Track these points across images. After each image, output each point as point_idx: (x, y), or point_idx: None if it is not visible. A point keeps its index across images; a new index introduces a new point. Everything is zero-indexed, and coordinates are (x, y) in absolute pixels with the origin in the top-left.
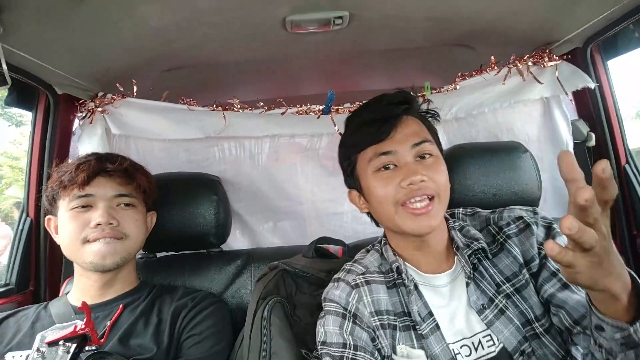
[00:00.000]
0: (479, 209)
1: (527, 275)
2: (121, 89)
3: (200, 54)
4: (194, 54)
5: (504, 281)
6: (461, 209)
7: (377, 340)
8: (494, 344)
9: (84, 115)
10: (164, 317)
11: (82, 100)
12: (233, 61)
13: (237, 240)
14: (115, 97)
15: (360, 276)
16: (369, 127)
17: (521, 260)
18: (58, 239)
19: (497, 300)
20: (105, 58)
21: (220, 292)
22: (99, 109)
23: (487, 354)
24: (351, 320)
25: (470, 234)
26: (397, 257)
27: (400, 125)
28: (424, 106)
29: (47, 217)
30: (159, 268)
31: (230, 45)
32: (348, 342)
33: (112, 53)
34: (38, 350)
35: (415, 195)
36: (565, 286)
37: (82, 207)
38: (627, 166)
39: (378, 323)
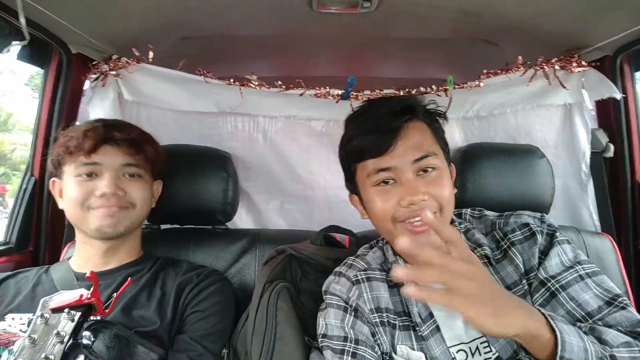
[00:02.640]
0: (486, 212)
1: (527, 286)
2: (137, 54)
3: (219, 24)
4: (213, 24)
5: (504, 286)
6: (469, 210)
7: (377, 336)
8: (492, 350)
9: (96, 77)
10: (168, 290)
11: (96, 62)
12: (253, 35)
13: (242, 219)
14: (130, 61)
15: (362, 272)
16: (368, 137)
17: (522, 269)
18: (61, 203)
19: None
20: (122, 20)
21: (224, 269)
22: (113, 72)
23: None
24: (352, 314)
25: (475, 238)
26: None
27: (402, 137)
28: (435, 102)
29: (52, 179)
30: (162, 240)
31: (252, 17)
32: (349, 336)
33: (130, 15)
34: (42, 316)
35: (415, 215)
36: (552, 295)
37: (88, 175)
38: None
39: (378, 320)
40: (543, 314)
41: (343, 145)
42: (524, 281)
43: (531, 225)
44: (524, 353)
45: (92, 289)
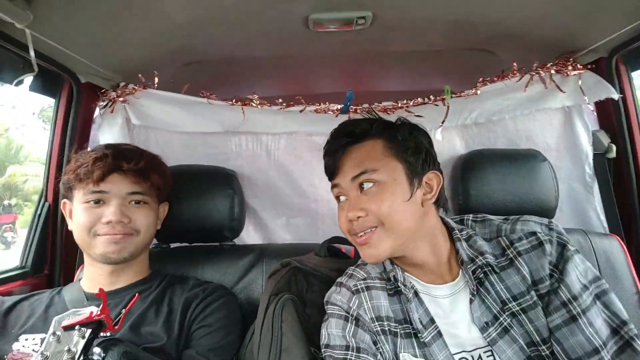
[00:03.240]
0: (490, 216)
1: (535, 297)
2: (142, 80)
3: (220, 49)
4: (214, 49)
5: (511, 299)
6: (471, 216)
7: (379, 344)
8: None
9: (105, 104)
10: (175, 307)
11: (104, 90)
12: (253, 57)
13: (250, 235)
14: (136, 87)
15: (361, 282)
16: (326, 160)
17: (529, 280)
18: (71, 224)
19: (501, 318)
20: (127, 49)
21: (232, 285)
22: (120, 99)
23: None
24: (353, 323)
25: (477, 245)
26: (395, 267)
27: (344, 159)
28: (402, 118)
29: (63, 201)
30: (171, 258)
31: (252, 40)
32: (351, 345)
33: (135, 45)
34: (54, 334)
35: (356, 231)
36: (573, 319)
37: (95, 202)
38: None
39: (379, 329)
40: None
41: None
42: (532, 292)
43: (538, 234)
44: None
45: (101, 306)
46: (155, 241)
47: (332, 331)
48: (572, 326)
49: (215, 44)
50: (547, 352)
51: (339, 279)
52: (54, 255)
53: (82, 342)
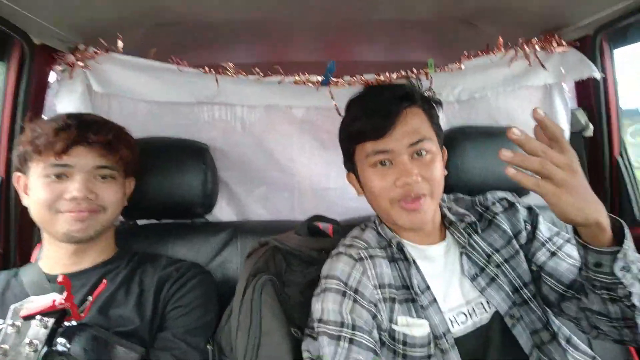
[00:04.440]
0: (460, 194)
1: (517, 246)
2: (104, 44)
3: (192, 9)
4: (185, 9)
5: (494, 252)
6: (445, 196)
7: (378, 314)
8: (486, 310)
9: (63, 69)
10: (147, 287)
11: (61, 53)
12: (227, 21)
13: (223, 211)
14: (98, 51)
15: (363, 250)
16: (368, 121)
17: (510, 233)
18: (26, 200)
19: (487, 269)
20: (87, 6)
21: (205, 263)
22: (80, 63)
23: (480, 320)
24: (352, 298)
25: (460, 212)
26: (395, 234)
27: (400, 122)
28: (429, 89)
29: (17, 174)
30: (139, 236)
31: (228, 2)
32: (346, 321)
33: (97, 2)
34: (13, 324)
35: (408, 194)
36: (553, 254)
37: (57, 176)
38: (619, 158)
39: (380, 296)
40: (611, 216)
41: (344, 127)
42: (513, 241)
43: (508, 198)
44: (516, 309)
45: (65, 294)
46: (120, 218)
47: (327, 306)
48: (554, 259)
49: (188, 4)
50: (529, 295)
51: (335, 250)
52: (8, 233)
53: (45, 333)
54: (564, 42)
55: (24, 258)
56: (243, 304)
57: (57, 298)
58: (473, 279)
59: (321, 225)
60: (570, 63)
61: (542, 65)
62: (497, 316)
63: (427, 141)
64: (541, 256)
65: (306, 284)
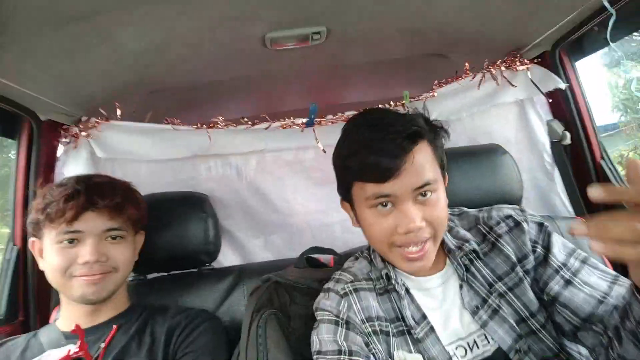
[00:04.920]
0: (465, 209)
1: (521, 273)
2: (104, 113)
3: (180, 75)
4: (174, 75)
5: (496, 280)
6: (448, 210)
7: (371, 345)
8: (489, 343)
9: (68, 140)
10: (158, 336)
11: (66, 126)
12: (214, 80)
13: (228, 257)
14: (99, 121)
15: (349, 284)
16: (370, 162)
17: (514, 258)
18: (42, 264)
19: (490, 300)
20: (86, 83)
21: (213, 309)
22: (84, 134)
23: (483, 352)
24: (344, 326)
25: (460, 234)
26: (387, 264)
27: (406, 164)
28: (439, 122)
29: (31, 239)
30: (150, 289)
31: (211, 65)
32: (343, 348)
33: (94, 78)
34: None
35: (411, 242)
36: (568, 283)
37: (69, 241)
38: (602, 162)
39: (370, 330)
40: None
41: (340, 157)
42: (517, 268)
43: (514, 216)
44: (522, 342)
45: (79, 343)
46: (132, 274)
47: (323, 337)
48: (569, 289)
49: (175, 71)
50: (538, 326)
51: (326, 285)
52: (27, 300)
53: None
54: (526, 60)
55: (44, 322)
56: (249, 340)
57: (71, 348)
58: (474, 312)
59: (322, 258)
60: (536, 77)
61: (510, 83)
62: (500, 350)
63: (433, 183)
64: (555, 285)
65: (310, 316)
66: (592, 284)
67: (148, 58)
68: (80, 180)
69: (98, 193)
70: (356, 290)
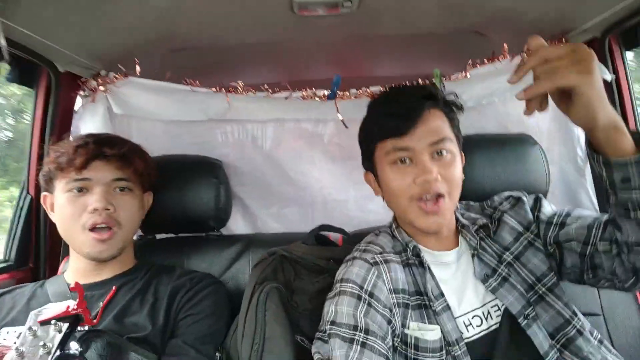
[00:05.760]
0: (471, 202)
1: (526, 241)
2: (123, 69)
3: (203, 35)
4: (197, 35)
5: (504, 251)
6: (458, 204)
7: (392, 319)
8: (501, 312)
9: (86, 94)
10: (161, 296)
11: (85, 79)
12: (238, 43)
13: (238, 225)
14: (117, 76)
15: (379, 255)
16: (389, 119)
17: (519, 228)
18: (54, 217)
19: (499, 270)
20: (107, 36)
21: (218, 275)
22: (102, 88)
23: (496, 323)
24: (367, 302)
25: (472, 216)
26: (412, 238)
27: (422, 121)
28: (454, 93)
29: (43, 194)
30: (157, 249)
31: (235, 26)
32: (360, 325)
33: (115, 32)
34: (30, 328)
35: (427, 192)
36: (562, 225)
37: (79, 190)
38: None
39: (395, 301)
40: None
41: (364, 127)
42: (524, 237)
43: (512, 195)
44: (531, 309)
45: (77, 300)
46: (139, 232)
47: (342, 308)
48: (565, 229)
49: (199, 31)
50: (545, 290)
51: (349, 256)
52: (38, 248)
53: (59, 337)
54: None
55: (53, 271)
56: (249, 311)
57: (71, 304)
58: (485, 280)
59: (331, 235)
60: None
61: None
62: (507, 317)
63: (448, 141)
64: (552, 234)
65: (315, 292)
66: (584, 215)
67: (172, 15)
68: (90, 135)
69: (107, 144)
70: (386, 261)
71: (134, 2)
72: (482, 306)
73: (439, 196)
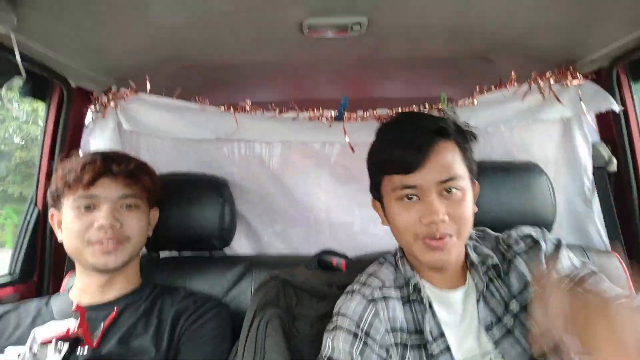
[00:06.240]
0: (488, 230)
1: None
2: (134, 85)
3: (213, 53)
4: (207, 54)
5: (512, 298)
6: (474, 231)
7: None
8: None
9: (97, 109)
10: (165, 318)
11: (96, 94)
12: (247, 62)
13: (242, 244)
14: (128, 92)
15: (378, 290)
16: (398, 153)
17: (528, 277)
18: (60, 235)
19: (504, 320)
20: (119, 53)
21: (221, 296)
22: (112, 103)
23: None
24: (362, 340)
25: (485, 252)
26: (415, 273)
27: (431, 156)
28: (467, 124)
29: (51, 212)
30: (160, 268)
31: (245, 46)
32: None
33: (126, 49)
34: (31, 348)
35: (433, 233)
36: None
37: (86, 207)
38: None
39: (393, 341)
40: None
41: (372, 154)
42: (531, 288)
43: (533, 235)
44: None
45: (79, 321)
46: (144, 250)
47: (338, 344)
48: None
49: (208, 49)
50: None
51: (350, 287)
52: (43, 262)
53: (59, 357)
54: (579, 75)
55: (57, 286)
56: (249, 337)
57: (71, 325)
58: (488, 328)
59: (335, 260)
60: (587, 96)
61: (557, 99)
62: None
63: (458, 179)
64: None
65: (317, 318)
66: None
67: (184, 34)
68: (98, 152)
69: (114, 160)
70: (385, 298)
71: (144, 19)
72: (483, 355)
73: (446, 235)
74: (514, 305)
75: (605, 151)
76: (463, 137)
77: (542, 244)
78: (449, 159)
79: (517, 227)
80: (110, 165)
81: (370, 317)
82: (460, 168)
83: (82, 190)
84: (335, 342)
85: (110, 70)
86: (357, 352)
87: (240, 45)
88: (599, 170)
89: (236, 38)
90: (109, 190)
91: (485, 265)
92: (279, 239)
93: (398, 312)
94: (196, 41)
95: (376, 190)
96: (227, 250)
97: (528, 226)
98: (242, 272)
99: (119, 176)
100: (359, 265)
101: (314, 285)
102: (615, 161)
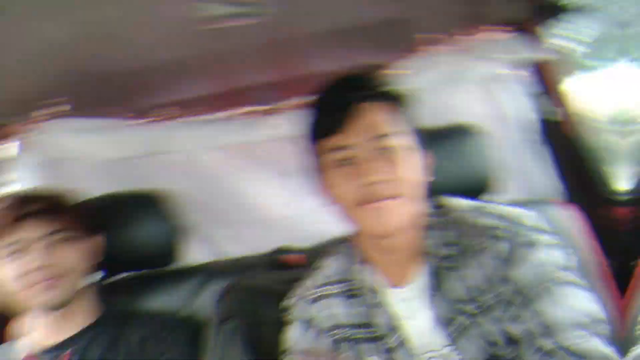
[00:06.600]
0: (447, 203)
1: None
2: (45, 112)
3: (120, 60)
4: (113, 62)
5: (469, 296)
6: (430, 203)
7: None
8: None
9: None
10: (132, 347)
11: (10, 126)
12: (155, 62)
13: (196, 253)
14: (41, 118)
15: (317, 289)
16: (324, 113)
17: (489, 276)
18: None
19: (461, 317)
20: (17, 79)
21: (182, 310)
22: (29, 134)
23: None
24: (315, 327)
25: (440, 236)
26: (364, 264)
27: (358, 115)
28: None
29: None
30: (117, 291)
31: (145, 47)
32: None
33: (23, 75)
34: None
35: (375, 198)
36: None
37: (14, 253)
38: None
39: (339, 337)
40: None
41: (305, 129)
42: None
43: (500, 228)
44: None
45: None
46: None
47: (292, 336)
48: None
49: (112, 57)
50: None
51: (297, 286)
52: None
53: None
54: (507, 30)
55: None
56: (210, 352)
57: None
58: (443, 325)
59: (292, 258)
60: (517, 49)
61: (488, 55)
62: None
63: (393, 135)
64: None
65: (279, 320)
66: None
67: (79, 47)
68: (13, 195)
69: (33, 200)
70: (324, 296)
71: (32, 41)
72: (442, 349)
73: (389, 198)
74: (471, 303)
75: (546, 103)
76: (394, 99)
77: (504, 244)
78: (381, 116)
79: (488, 208)
80: (29, 205)
81: (313, 313)
82: (395, 126)
83: (6, 237)
84: (290, 334)
85: (12, 98)
86: (311, 339)
87: (140, 47)
88: (543, 123)
89: (131, 41)
90: (34, 231)
91: (437, 256)
92: (234, 242)
93: (340, 308)
94: (95, 50)
95: (317, 170)
96: (185, 260)
97: (499, 208)
98: (201, 282)
99: (41, 214)
100: (316, 255)
101: (274, 287)
102: (556, 111)
